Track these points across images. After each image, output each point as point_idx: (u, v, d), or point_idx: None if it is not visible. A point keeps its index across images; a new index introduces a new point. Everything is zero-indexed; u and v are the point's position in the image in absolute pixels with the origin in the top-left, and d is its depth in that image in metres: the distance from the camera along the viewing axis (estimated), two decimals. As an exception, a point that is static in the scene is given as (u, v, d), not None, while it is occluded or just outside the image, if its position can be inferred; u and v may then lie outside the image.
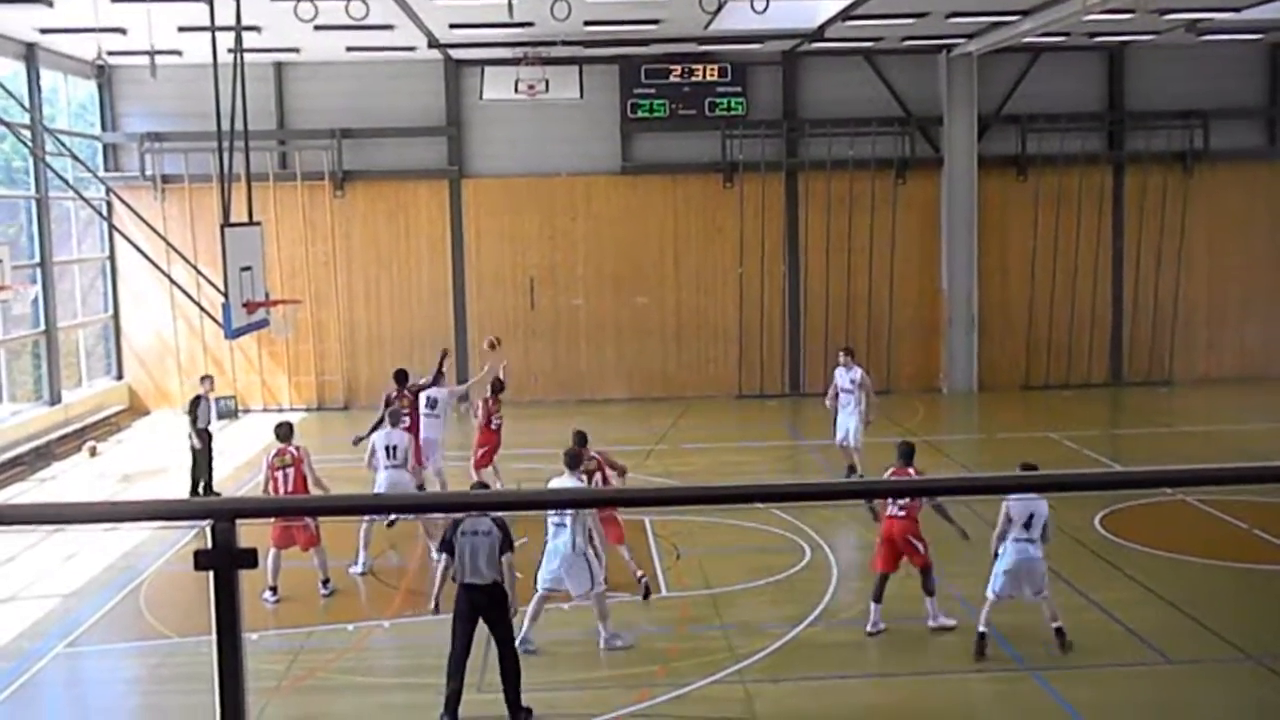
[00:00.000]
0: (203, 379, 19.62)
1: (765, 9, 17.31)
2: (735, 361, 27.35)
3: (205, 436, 18.60)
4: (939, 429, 23.53)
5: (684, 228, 27.36)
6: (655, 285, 27.36)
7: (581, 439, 13.70)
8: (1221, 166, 27.80)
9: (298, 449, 14.20)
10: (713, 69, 26.64)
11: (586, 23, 22.16)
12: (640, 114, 26.76)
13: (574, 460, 12.81)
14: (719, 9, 20.10)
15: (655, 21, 22.71)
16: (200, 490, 18.33)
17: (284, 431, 14.45)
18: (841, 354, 19.42)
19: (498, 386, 18.21)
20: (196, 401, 18.70)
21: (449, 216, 27.19)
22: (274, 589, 13.63)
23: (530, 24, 21.87)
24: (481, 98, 26.72)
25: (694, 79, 26.60)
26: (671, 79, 26.60)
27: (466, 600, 10.77)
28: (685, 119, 26.83)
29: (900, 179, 27.32)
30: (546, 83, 25.55)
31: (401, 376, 18.39)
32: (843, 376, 18.87)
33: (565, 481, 12.64)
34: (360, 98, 26.74)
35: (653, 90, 26.63)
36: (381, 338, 27.19)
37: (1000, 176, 27.50)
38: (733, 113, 26.83)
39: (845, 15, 21.76)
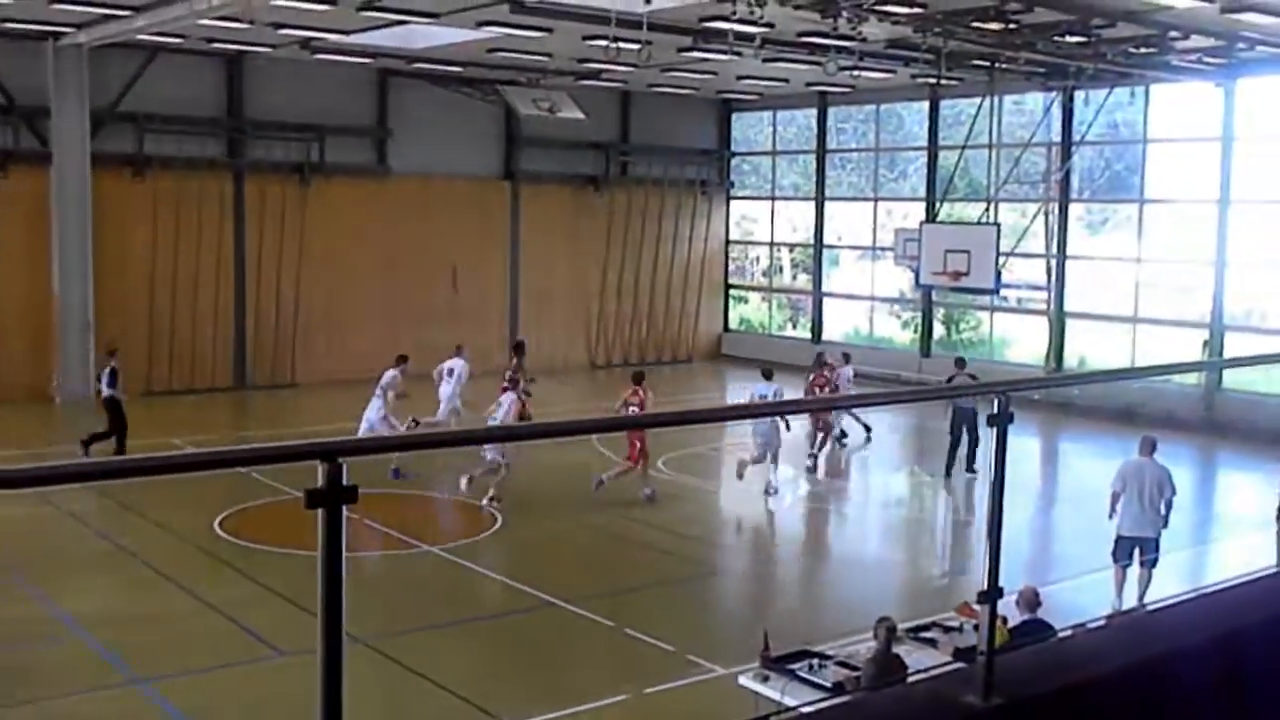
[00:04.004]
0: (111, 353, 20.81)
1: None
2: None
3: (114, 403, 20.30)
4: (52, 439, 21.98)
5: None
6: None
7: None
8: (337, 180, 29.25)
9: None
10: None
11: None
12: None
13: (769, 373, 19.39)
14: None
15: None
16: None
17: None
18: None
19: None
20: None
21: None
22: None
23: None
24: None
25: None
26: None
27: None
28: None
29: (2, 173, 25.16)
30: None
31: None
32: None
33: (769, 388, 18.82)
34: None
35: None
36: None
37: (117, 176, 26.40)
38: None
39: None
